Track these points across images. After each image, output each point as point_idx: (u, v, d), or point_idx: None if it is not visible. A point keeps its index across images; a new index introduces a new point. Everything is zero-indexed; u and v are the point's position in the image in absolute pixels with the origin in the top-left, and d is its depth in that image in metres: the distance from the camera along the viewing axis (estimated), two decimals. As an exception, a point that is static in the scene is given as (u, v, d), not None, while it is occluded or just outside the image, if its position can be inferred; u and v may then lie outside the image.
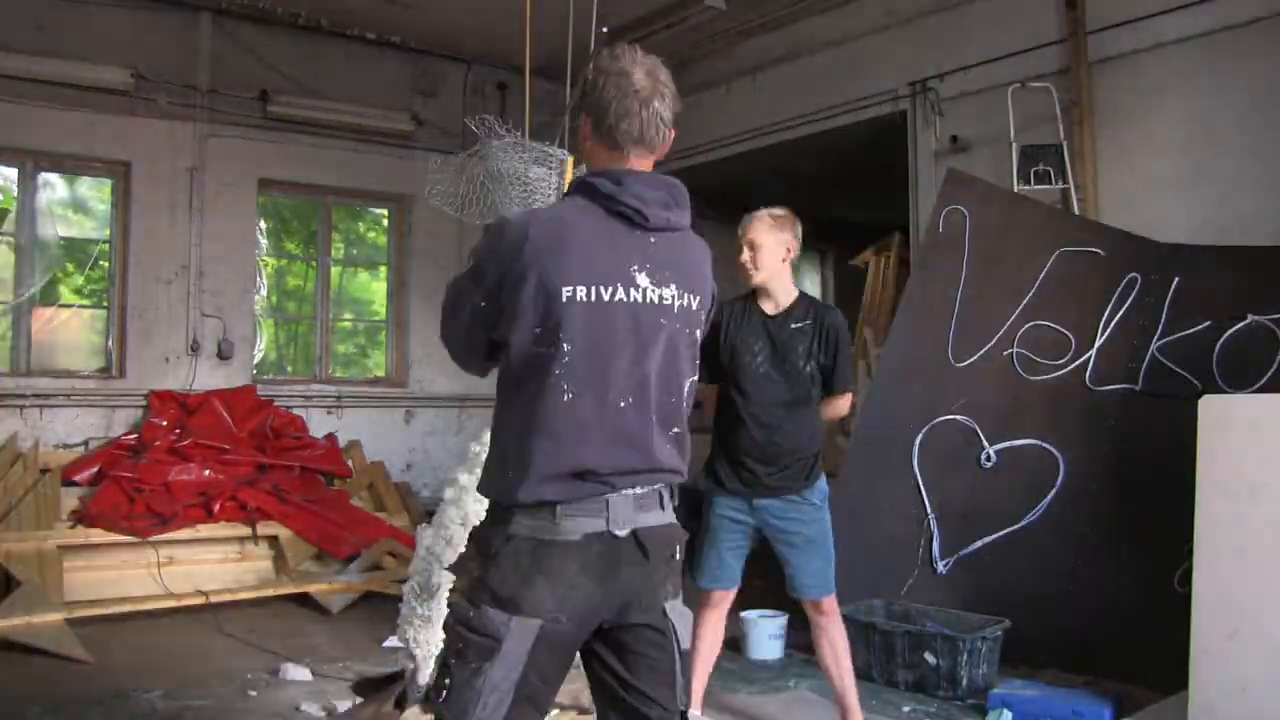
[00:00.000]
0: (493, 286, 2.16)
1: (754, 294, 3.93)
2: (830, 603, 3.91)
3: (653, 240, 2.19)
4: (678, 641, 2.24)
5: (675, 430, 2.27)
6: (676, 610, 2.25)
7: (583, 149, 2.32)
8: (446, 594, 3.14)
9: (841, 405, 4.02)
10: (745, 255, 3.84)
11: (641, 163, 2.26)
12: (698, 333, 2.30)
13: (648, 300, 2.17)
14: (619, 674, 2.20)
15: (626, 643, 2.19)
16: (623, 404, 2.15)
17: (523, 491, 2.09)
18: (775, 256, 3.84)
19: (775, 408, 3.83)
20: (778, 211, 3.89)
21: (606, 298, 2.13)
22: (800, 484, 3.86)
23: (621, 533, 2.14)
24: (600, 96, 2.22)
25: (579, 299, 2.10)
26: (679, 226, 2.27)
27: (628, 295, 2.15)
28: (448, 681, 2.09)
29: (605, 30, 3.22)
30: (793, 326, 3.85)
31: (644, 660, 2.20)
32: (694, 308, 2.27)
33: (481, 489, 2.25)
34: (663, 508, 2.26)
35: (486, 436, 3.12)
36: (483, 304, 2.19)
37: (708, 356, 3.72)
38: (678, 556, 2.31)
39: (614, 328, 2.14)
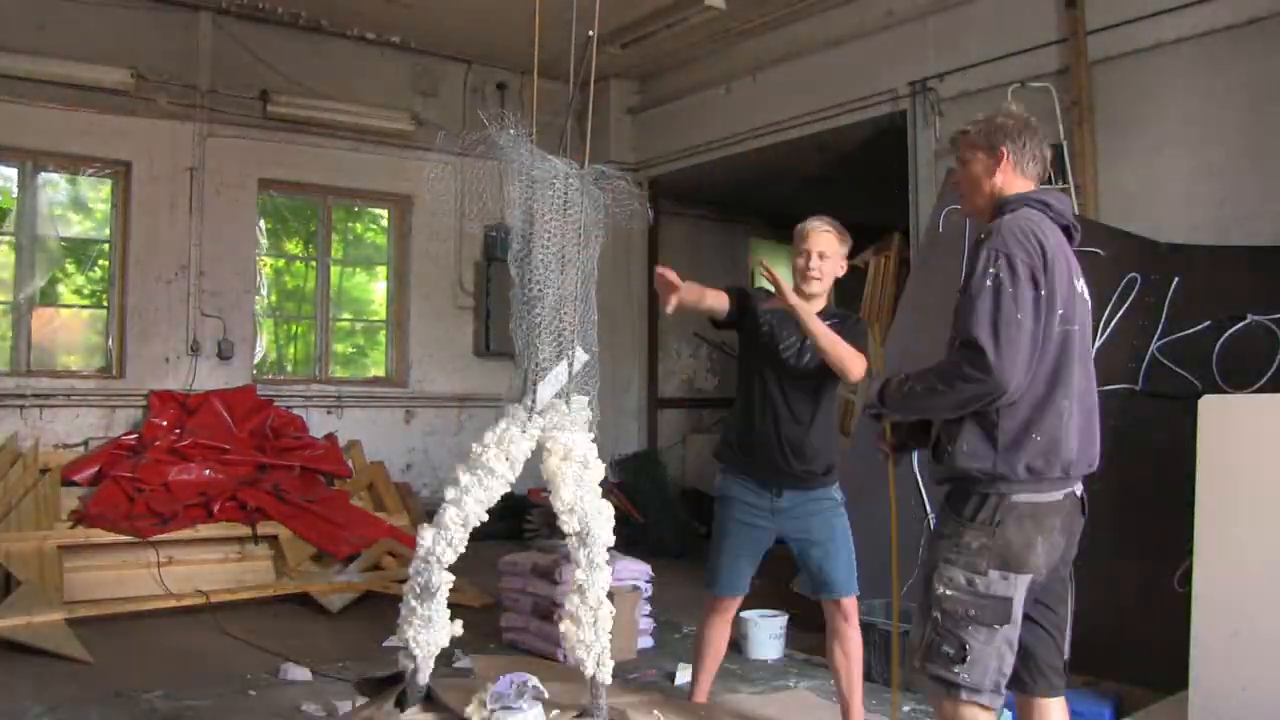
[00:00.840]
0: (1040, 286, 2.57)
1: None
2: (854, 604, 3.92)
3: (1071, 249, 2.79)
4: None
5: None
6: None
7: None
8: (446, 594, 3.14)
9: (863, 365, 3.83)
10: (813, 263, 3.83)
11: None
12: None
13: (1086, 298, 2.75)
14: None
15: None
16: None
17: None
18: (835, 269, 3.89)
19: (807, 402, 3.83)
20: (839, 226, 3.92)
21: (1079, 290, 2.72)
22: (823, 479, 3.88)
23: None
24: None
25: (1076, 291, 2.69)
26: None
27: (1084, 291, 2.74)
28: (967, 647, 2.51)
29: (590, 34, 3.21)
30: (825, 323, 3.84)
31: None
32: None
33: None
34: None
35: (487, 436, 3.13)
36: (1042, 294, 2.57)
37: (742, 303, 3.86)
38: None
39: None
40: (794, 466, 3.82)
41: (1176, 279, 5.40)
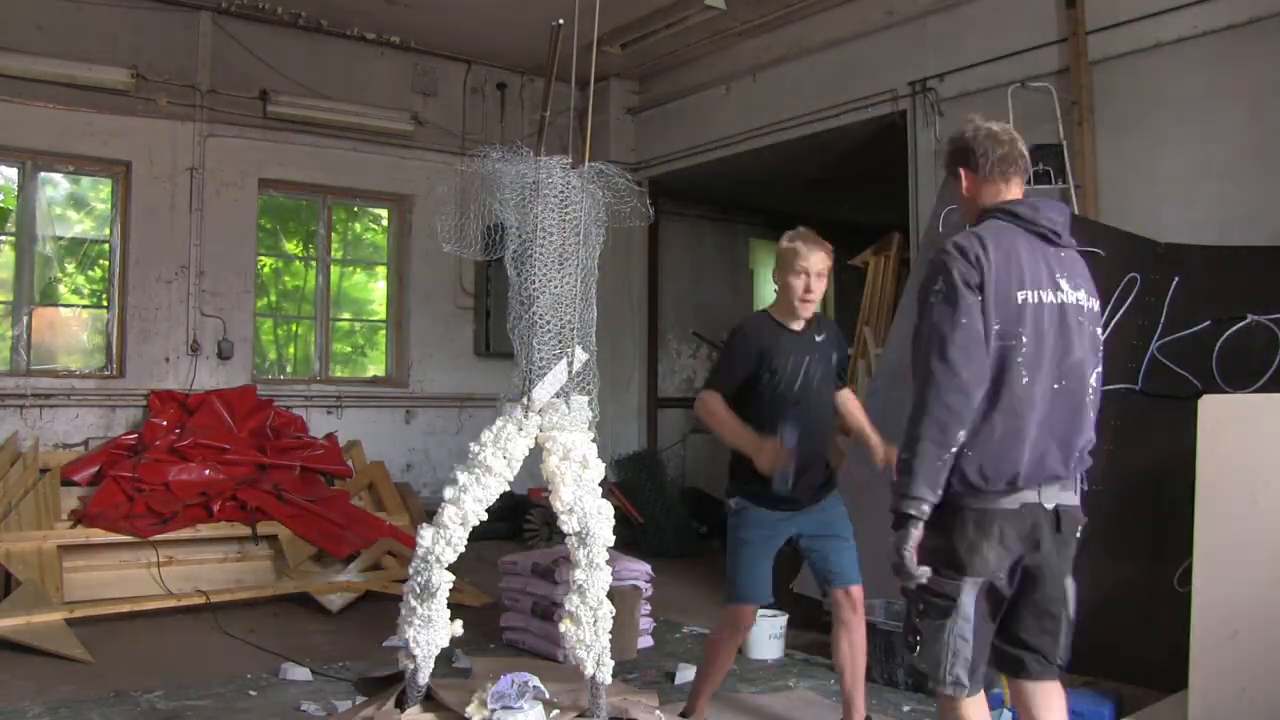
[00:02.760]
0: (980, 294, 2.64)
1: (771, 313, 3.97)
2: (861, 592, 3.98)
3: (1062, 255, 2.82)
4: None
5: None
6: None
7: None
8: (446, 594, 3.14)
9: (851, 396, 4.16)
10: (813, 284, 3.85)
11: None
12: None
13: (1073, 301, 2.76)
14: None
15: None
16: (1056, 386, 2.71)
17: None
18: (825, 285, 3.93)
19: (825, 420, 3.97)
20: (820, 239, 3.95)
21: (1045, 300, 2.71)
22: (833, 483, 4.04)
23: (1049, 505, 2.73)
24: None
25: (1028, 301, 2.68)
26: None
27: (1055, 298, 2.72)
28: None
29: (557, 23, 3.22)
30: (817, 339, 3.94)
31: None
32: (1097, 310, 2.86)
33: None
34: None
35: (485, 435, 3.13)
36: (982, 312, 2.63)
37: (736, 371, 3.86)
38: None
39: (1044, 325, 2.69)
40: (815, 487, 3.92)
41: (1176, 279, 5.40)
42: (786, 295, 3.89)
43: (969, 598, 2.68)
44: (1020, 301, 2.66)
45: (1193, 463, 3.87)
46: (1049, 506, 2.72)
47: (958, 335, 2.58)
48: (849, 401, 4.12)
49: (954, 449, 2.58)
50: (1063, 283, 2.75)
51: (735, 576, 3.92)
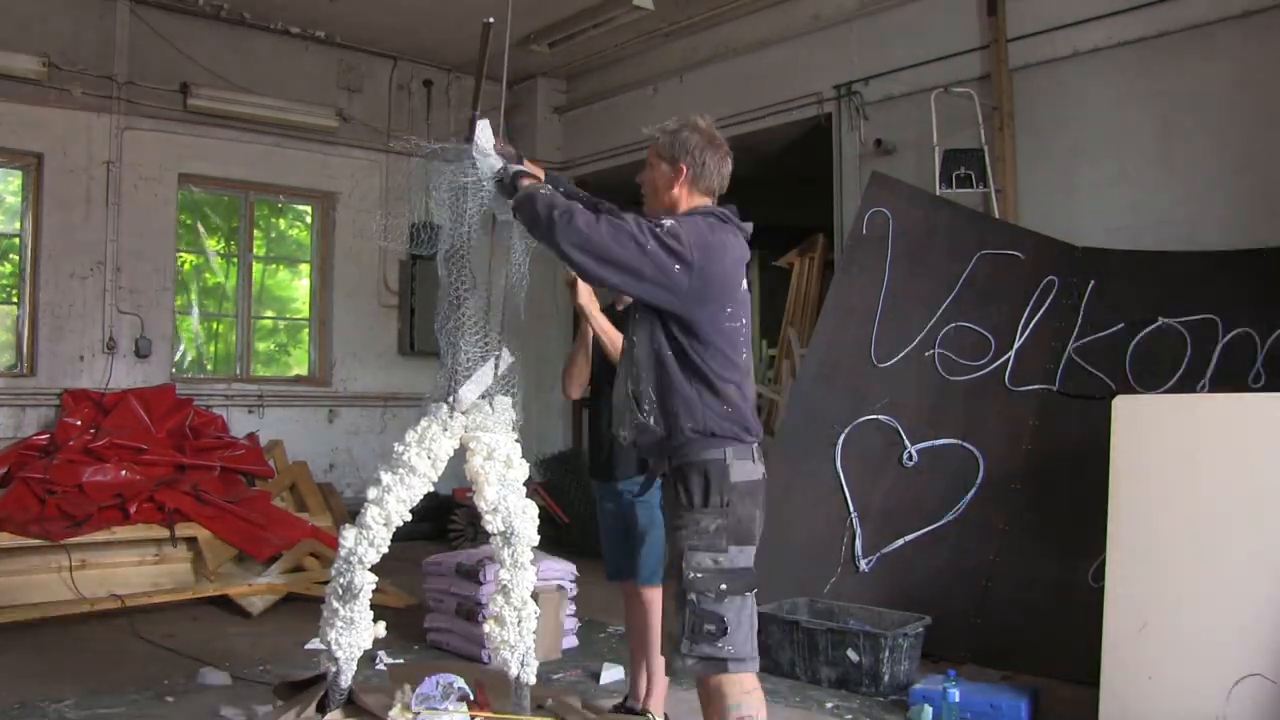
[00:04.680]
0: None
1: None
2: (657, 593, 3.99)
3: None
4: None
5: None
6: None
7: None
8: (369, 595, 3.11)
9: None
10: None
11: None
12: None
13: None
14: None
15: None
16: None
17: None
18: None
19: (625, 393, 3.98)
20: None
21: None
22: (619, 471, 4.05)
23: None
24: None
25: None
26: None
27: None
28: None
29: (488, 21, 3.21)
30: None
31: None
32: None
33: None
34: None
35: (409, 435, 3.10)
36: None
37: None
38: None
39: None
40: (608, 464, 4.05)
41: (1092, 282, 5.54)
42: None
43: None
44: (743, 289, 2.94)
45: (1107, 461, 3.98)
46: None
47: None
48: None
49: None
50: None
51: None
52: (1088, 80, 6.11)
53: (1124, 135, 5.95)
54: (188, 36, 8.36)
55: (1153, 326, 5.26)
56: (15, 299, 8.01)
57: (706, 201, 3.02)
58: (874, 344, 5.62)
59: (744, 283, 2.96)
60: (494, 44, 3.24)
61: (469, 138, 3.04)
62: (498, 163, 3.06)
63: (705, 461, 2.79)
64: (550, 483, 8.77)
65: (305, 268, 9.61)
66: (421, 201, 3.19)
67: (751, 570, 2.80)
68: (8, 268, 8.13)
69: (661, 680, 4.01)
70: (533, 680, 3.14)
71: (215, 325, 9.32)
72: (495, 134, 3.10)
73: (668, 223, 2.80)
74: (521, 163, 3.11)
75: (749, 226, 3.04)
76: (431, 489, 3.17)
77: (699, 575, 2.73)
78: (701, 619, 2.72)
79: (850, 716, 4.42)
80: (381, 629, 3.18)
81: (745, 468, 2.82)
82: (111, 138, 8.06)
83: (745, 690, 2.75)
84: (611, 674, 4.94)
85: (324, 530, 7.18)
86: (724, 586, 2.72)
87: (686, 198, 3.01)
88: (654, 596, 3.91)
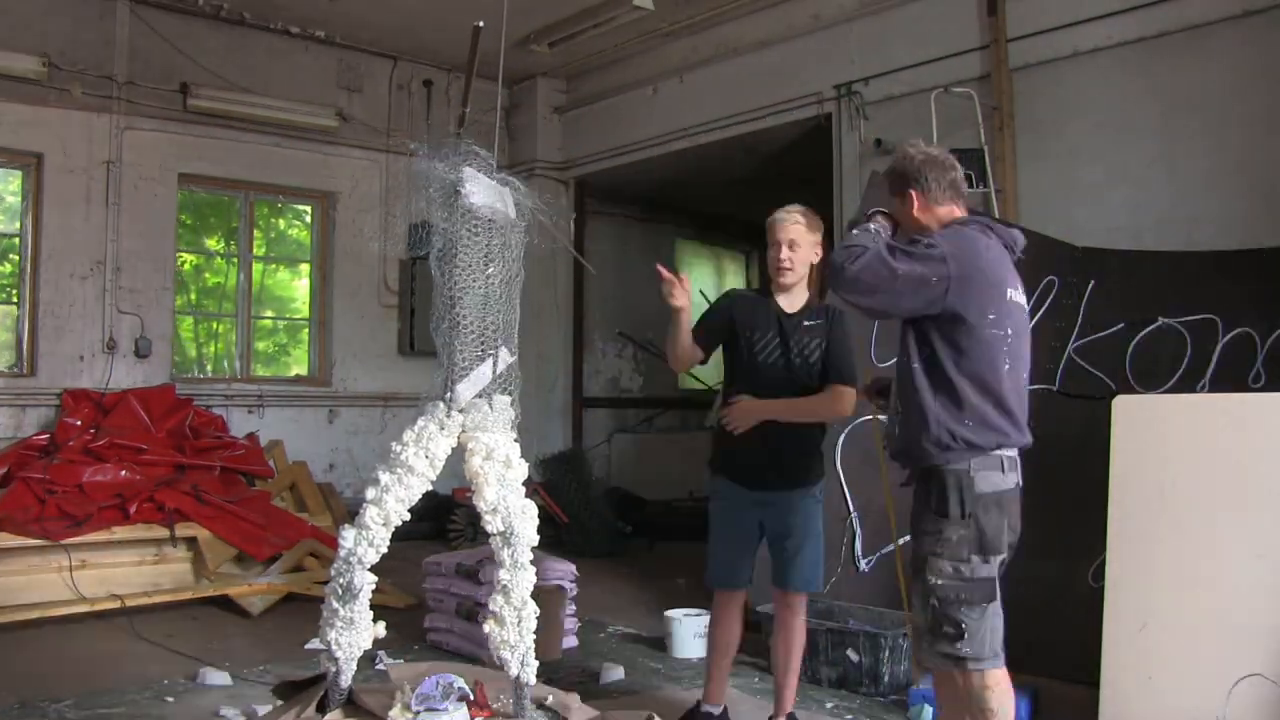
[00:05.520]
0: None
1: (768, 289, 3.96)
2: (801, 599, 3.99)
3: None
4: None
5: None
6: None
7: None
8: (369, 595, 3.10)
9: (849, 397, 3.92)
10: (784, 254, 3.84)
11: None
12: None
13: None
14: None
15: None
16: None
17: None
18: (809, 258, 3.90)
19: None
20: (808, 212, 3.92)
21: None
22: (804, 477, 3.93)
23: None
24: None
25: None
26: None
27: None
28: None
29: (479, 25, 3.21)
30: (805, 323, 3.88)
31: None
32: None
33: None
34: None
35: (406, 434, 3.10)
36: None
37: (710, 330, 3.90)
38: None
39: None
40: (773, 471, 3.87)
41: (1092, 282, 5.53)
42: (769, 268, 3.93)
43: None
44: (1009, 299, 2.96)
45: (1107, 461, 3.97)
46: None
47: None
48: (829, 392, 3.91)
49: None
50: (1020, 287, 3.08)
51: (707, 557, 4.00)
52: (1088, 80, 6.10)
53: (1124, 135, 5.95)
54: (187, 36, 8.36)
55: (1153, 326, 5.25)
56: (15, 299, 8.01)
57: (956, 210, 3.11)
58: (874, 344, 5.62)
59: (1014, 293, 3.00)
60: (489, 44, 3.24)
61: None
62: (501, 206, 3.10)
63: (947, 471, 2.89)
64: (550, 483, 8.77)
65: (305, 268, 9.61)
66: (416, 202, 3.20)
67: (994, 580, 2.90)
68: (8, 268, 8.13)
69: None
70: (533, 680, 3.14)
71: (215, 325, 9.32)
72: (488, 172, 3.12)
73: (926, 240, 2.92)
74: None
75: (1017, 234, 3.14)
76: (430, 488, 3.17)
77: (940, 582, 2.88)
78: (941, 621, 2.88)
79: (850, 716, 4.43)
80: (381, 629, 3.18)
81: (992, 478, 2.90)
82: (111, 138, 8.06)
83: (989, 685, 2.88)
84: (611, 674, 4.94)
85: (324, 530, 7.18)
86: (964, 595, 2.86)
87: (936, 215, 3.09)
88: (803, 604, 4.00)
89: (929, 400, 2.90)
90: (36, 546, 6.18)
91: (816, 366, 3.88)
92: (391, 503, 3.07)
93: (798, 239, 3.85)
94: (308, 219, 9.63)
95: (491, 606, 3.15)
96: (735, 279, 12.69)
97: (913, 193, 3.08)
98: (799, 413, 3.85)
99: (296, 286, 9.75)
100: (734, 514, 3.94)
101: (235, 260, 9.21)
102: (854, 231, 3.06)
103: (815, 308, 3.93)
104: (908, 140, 3.23)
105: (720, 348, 4.02)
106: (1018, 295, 3.02)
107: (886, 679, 4.62)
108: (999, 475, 2.91)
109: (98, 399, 7.63)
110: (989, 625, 2.88)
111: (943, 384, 2.90)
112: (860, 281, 2.85)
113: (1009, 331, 2.93)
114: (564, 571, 5.47)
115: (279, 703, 3.34)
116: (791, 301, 3.92)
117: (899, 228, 3.17)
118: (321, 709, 3.09)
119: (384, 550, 3.12)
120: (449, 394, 3.12)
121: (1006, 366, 2.92)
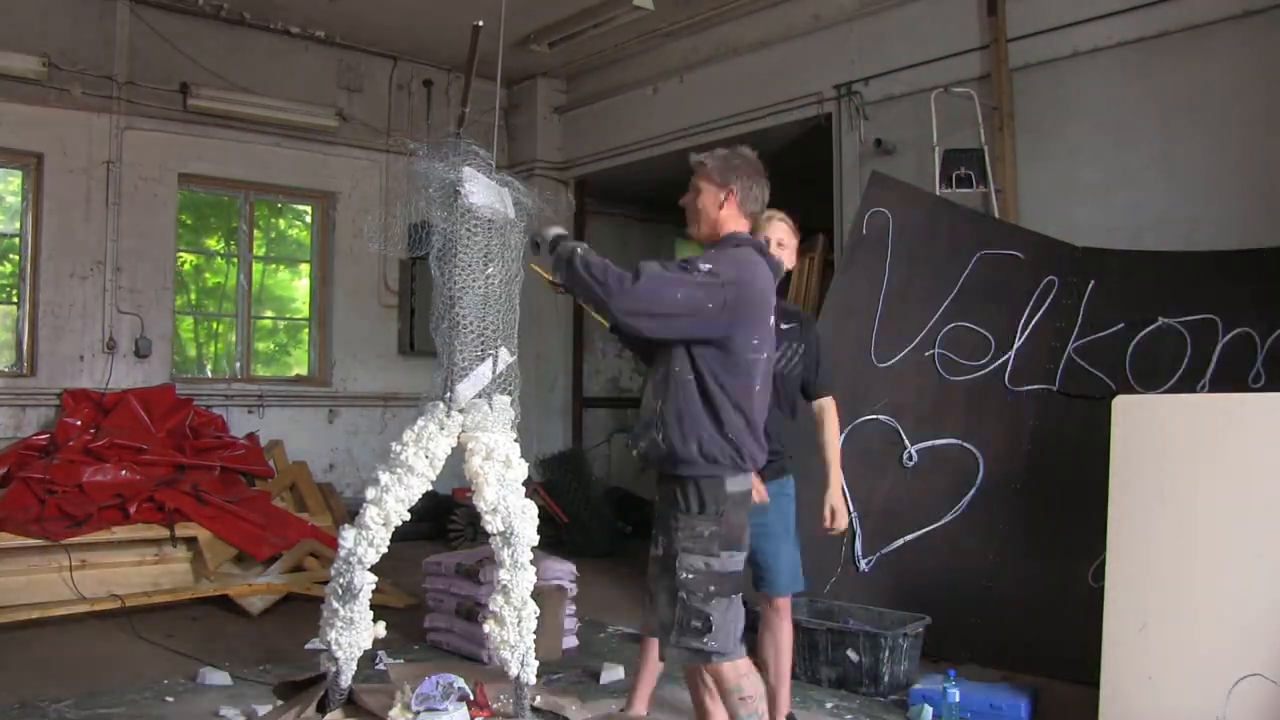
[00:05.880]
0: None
1: None
2: (787, 602, 3.98)
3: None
4: None
5: None
6: None
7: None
8: (369, 595, 3.10)
9: (832, 408, 4.08)
10: (771, 251, 3.84)
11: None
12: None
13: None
14: None
15: None
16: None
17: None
18: (789, 259, 3.96)
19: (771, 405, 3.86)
20: (790, 219, 3.98)
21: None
22: (783, 469, 3.96)
23: None
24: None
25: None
26: None
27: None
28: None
29: (478, 24, 3.22)
30: (783, 326, 3.86)
31: None
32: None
33: None
34: None
35: (406, 434, 3.10)
36: None
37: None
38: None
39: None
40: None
41: (1092, 282, 5.53)
42: None
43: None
44: (770, 323, 3.13)
45: (1107, 461, 3.97)
46: None
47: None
48: (829, 413, 4.08)
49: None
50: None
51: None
52: (1088, 80, 6.10)
53: (1124, 134, 5.95)
54: (187, 36, 8.36)
55: (1153, 326, 5.26)
56: (15, 299, 8.01)
57: (746, 226, 3.21)
58: (874, 344, 5.62)
59: (773, 316, 3.15)
60: (489, 44, 3.24)
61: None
62: (500, 206, 3.13)
63: (701, 477, 2.99)
64: (550, 483, 8.77)
65: (305, 268, 9.61)
66: (415, 202, 3.20)
67: (739, 574, 3.05)
68: (8, 268, 8.13)
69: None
70: (533, 680, 3.14)
71: (215, 325, 9.32)
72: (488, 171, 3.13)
73: (705, 266, 2.95)
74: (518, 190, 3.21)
75: (780, 262, 3.34)
76: (430, 488, 3.17)
77: (691, 576, 2.96)
78: (690, 615, 2.96)
79: (850, 716, 4.42)
80: (381, 629, 3.18)
81: (737, 479, 3.03)
82: (111, 138, 8.06)
83: (740, 674, 3.02)
84: (611, 674, 4.94)
85: (324, 530, 7.18)
86: (713, 588, 2.96)
87: (732, 220, 3.18)
88: (789, 605, 4.01)
89: (700, 413, 2.97)
90: (36, 546, 6.19)
91: (797, 383, 3.96)
92: (391, 503, 3.07)
93: (785, 240, 3.91)
94: (308, 219, 9.63)
95: (491, 606, 3.15)
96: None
97: (733, 191, 3.16)
98: (839, 452, 4.08)
99: (296, 286, 9.75)
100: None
101: (235, 260, 9.21)
102: (579, 250, 2.95)
103: (789, 312, 3.95)
104: (743, 146, 3.31)
105: None
106: (772, 316, 3.16)
107: (886, 679, 4.62)
108: (743, 476, 3.06)
109: (98, 399, 7.63)
110: (732, 617, 2.99)
111: (710, 399, 2.97)
112: (640, 301, 2.86)
113: (765, 355, 3.08)
114: (564, 571, 5.47)
115: (279, 703, 3.34)
116: None
117: (699, 216, 3.24)
118: (321, 709, 3.09)
119: (384, 550, 3.12)
120: (449, 394, 3.12)
121: (757, 387, 3.06)
